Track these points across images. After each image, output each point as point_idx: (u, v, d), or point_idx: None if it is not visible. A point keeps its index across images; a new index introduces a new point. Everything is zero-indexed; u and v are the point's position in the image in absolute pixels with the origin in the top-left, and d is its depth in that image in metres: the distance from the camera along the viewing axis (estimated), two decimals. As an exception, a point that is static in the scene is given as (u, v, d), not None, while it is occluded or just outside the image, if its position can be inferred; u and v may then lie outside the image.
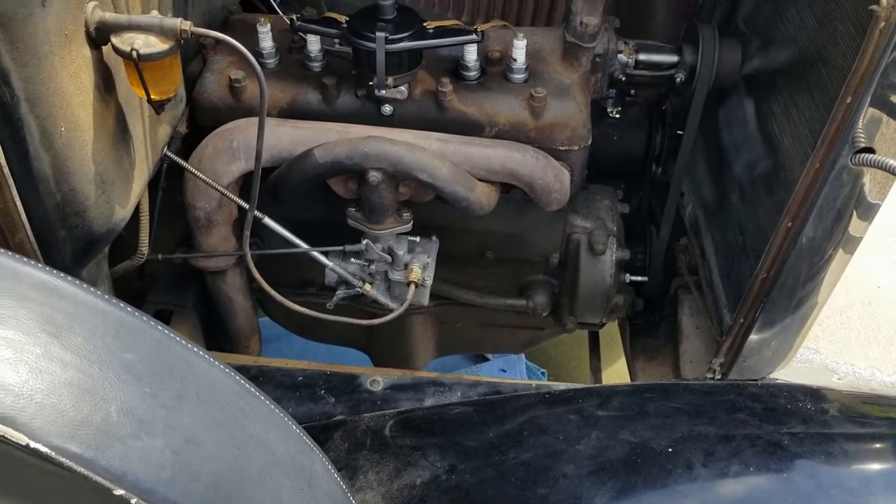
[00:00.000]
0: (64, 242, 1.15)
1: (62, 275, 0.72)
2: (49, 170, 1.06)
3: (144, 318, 0.74)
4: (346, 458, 1.23)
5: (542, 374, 2.67)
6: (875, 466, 1.21)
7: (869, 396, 1.41)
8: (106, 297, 0.72)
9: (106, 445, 0.64)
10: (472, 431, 1.26)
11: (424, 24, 1.42)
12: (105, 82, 1.14)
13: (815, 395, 1.32)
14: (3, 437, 0.61)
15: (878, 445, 1.22)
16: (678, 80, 1.59)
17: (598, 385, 1.46)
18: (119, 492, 0.64)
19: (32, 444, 0.61)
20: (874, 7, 1.05)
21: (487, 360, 2.65)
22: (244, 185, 1.52)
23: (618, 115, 1.76)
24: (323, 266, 1.56)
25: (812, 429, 1.21)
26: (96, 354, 0.68)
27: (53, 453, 0.62)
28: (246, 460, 0.73)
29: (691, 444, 1.17)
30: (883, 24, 1.05)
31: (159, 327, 0.74)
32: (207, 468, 0.69)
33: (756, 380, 1.45)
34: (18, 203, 1.06)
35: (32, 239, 1.10)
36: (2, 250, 0.70)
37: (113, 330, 0.70)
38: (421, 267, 1.55)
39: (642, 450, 1.18)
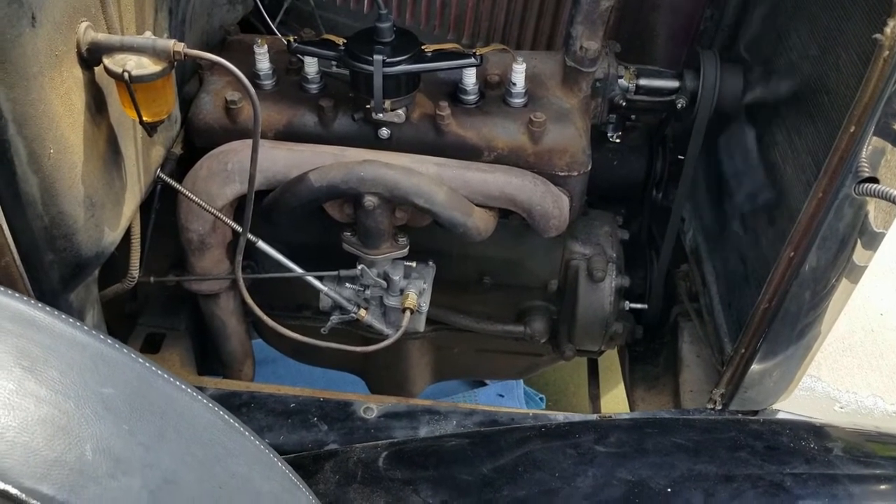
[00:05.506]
0: (51, 266, 1.13)
1: (40, 305, 0.69)
2: (37, 192, 1.05)
3: (125, 350, 0.71)
4: (336, 492, 1.20)
5: (541, 399, 2.64)
6: (880, 509, 1.17)
7: (873, 434, 1.38)
8: (85, 328, 0.70)
9: (80, 486, 0.61)
10: (465, 465, 1.23)
11: (423, 48, 1.41)
12: (96, 103, 1.12)
13: (818, 432, 1.28)
14: (-30, 478, 0.58)
15: (882, 487, 1.18)
16: (679, 105, 1.58)
17: (595, 418, 1.43)
18: (93, 534, 0.61)
19: (2, 486, 0.59)
20: (878, 36, 1.04)
21: (485, 385, 2.62)
22: (239, 207, 1.50)
23: (618, 141, 1.75)
24: (318, 290, 1.54)
25: (815, 469, 1.17)
26: (73, 389, 0.65)
27: (24, 495, 0.59)
28: (227, 501, 0.70)
29: (691, 484, 1.14)
30: (887, 52, 1.04)
31: (140, 360, 0.71)
32: (186, 509, 0.66)
33: (757, 412, 1.42)
34: (5, 226, 1.04)
35: (19, 262, 1.08)
36: None
37: (91, 363, 0.68)
38: (417, 293, 1.53)
39: (640, 489, 1.14)
